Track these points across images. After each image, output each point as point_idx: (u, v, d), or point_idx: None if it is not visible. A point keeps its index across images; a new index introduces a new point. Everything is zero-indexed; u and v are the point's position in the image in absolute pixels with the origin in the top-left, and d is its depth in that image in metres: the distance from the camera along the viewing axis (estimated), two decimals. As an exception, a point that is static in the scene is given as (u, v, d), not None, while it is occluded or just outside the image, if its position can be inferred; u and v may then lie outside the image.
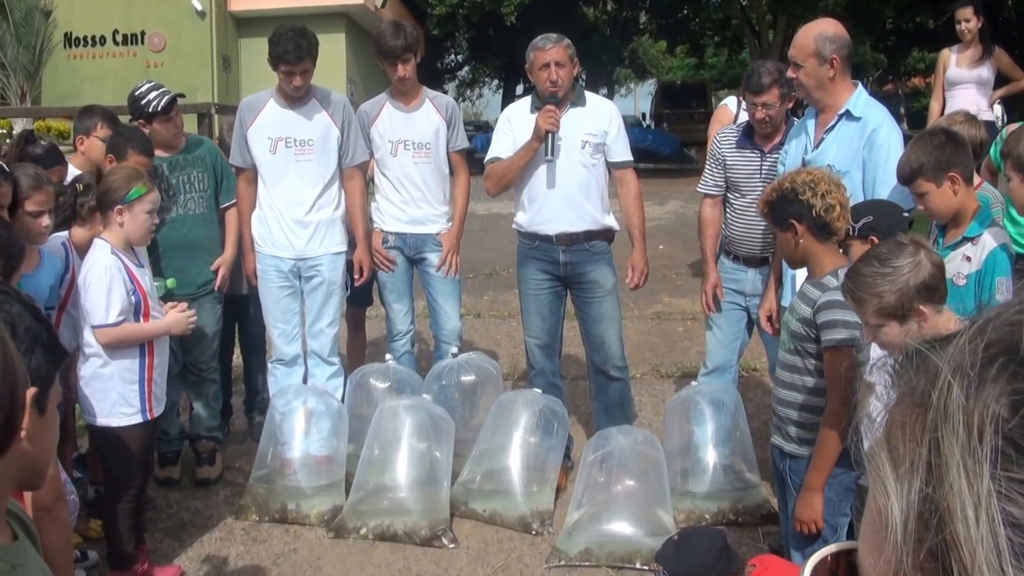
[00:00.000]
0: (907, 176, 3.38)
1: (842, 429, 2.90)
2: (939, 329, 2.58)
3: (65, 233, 3.86)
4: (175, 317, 3.80)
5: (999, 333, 0.50)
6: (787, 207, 3.12)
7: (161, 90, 4.70)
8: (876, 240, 3.16)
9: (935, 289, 2.58)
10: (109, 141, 4.44)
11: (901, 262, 2.59)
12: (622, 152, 4.68)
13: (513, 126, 4.66)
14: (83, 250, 3.79)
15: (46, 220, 3.54)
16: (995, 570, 0.44)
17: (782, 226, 3.17)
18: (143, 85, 4.78)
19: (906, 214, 3.25)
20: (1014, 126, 4.63)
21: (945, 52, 7.23)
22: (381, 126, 4.96)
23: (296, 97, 4.71)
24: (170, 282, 4.50)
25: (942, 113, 6.69)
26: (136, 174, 3.78)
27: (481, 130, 27.42)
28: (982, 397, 0.48)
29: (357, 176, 4.89)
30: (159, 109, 4.64)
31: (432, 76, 30.95)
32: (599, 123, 4.58)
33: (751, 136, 4.53)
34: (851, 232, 3.22)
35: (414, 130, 4.93)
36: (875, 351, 2.81)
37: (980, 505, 0.45)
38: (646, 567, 3.80)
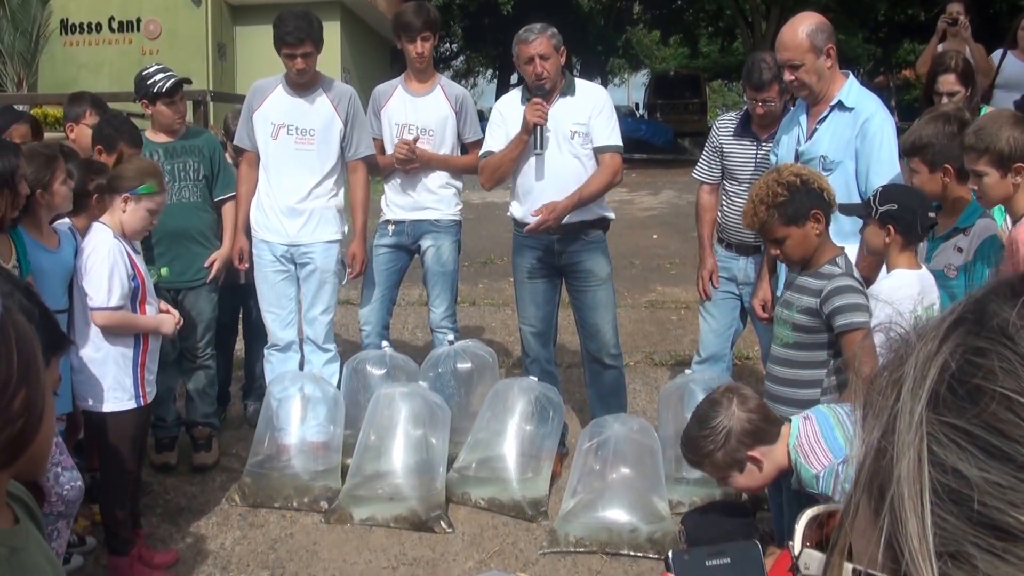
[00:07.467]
0: (907, 150, 3.41)
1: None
2: (777, 462, 2.75)
3: (68, 220, 3.88)
4: (165, 318, 3.85)
5: (964, 305, 0.55)
6: (807, 199, 3.03)
7: (169, 73, 4.74)
8: (893, 228, 3.11)
9: (758, 431, 2.73)
10: (98, 132, 4.44)
11: (716, 420, 2.73)
12: (604, 136, 4.53)
13: (505, 119, 4.66)
14: (82, 236, 3.81)
15: (70, 185, 3.65)
16: (916, 505, 0.48)
17: (799, 222, 3.05)
18: (152, 67, 4.82)
19: (931, 214, 3.19)
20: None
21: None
22: (391, 110, 4.99)
23: (301, 83, 4.72)
24: (164, 271, 4.51)
25: None
26: (154, 171, 3.86)
27: (475, 119, 27.33)
28: (941, 351, 0.52)
29: (361, 169, 4.90)
30: (163, 90, 4.67)
31: (426, 65, 30.75)
32: (588, 112, 4.57)
33: (748, 125, 4.56)
34: (872, 213, 3.17)
35: (419, 115, 4.95)
36: (881, 311, 2.88)
37: (912, 444, 0.49)
38: (640, 554, 3.84)
